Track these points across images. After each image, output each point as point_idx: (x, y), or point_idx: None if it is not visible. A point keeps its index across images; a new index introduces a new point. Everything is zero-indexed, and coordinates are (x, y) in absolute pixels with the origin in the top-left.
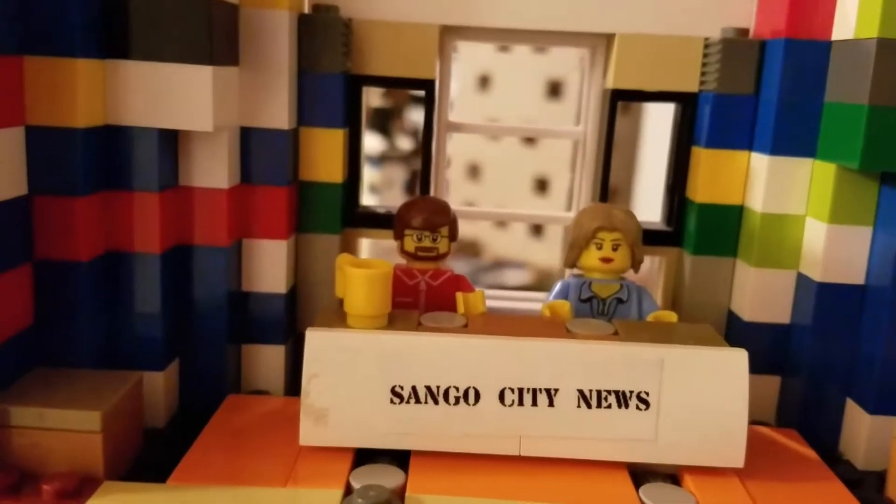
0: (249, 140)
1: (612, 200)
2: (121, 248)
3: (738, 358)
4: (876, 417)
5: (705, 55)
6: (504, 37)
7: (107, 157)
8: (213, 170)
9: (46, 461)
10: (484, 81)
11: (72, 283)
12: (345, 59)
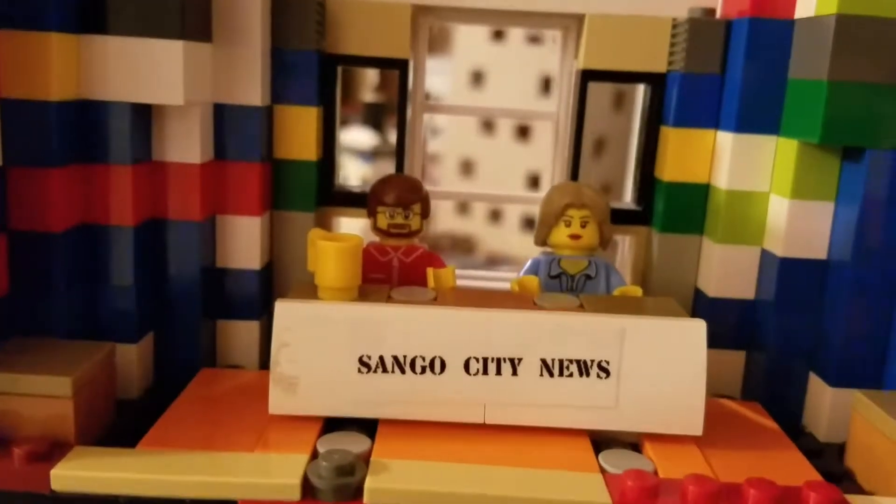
0: (223, 116)
1: (606, 196)
2: (94, 220)
3: (697, 328)
4: (837, 390)
5: (673, 35)
6: (477, 17)
7: (81, 131)
8: (186, 145)
9: (19, 426)
10: (477, 77)
11: (46, 254)
12: (319, 38)
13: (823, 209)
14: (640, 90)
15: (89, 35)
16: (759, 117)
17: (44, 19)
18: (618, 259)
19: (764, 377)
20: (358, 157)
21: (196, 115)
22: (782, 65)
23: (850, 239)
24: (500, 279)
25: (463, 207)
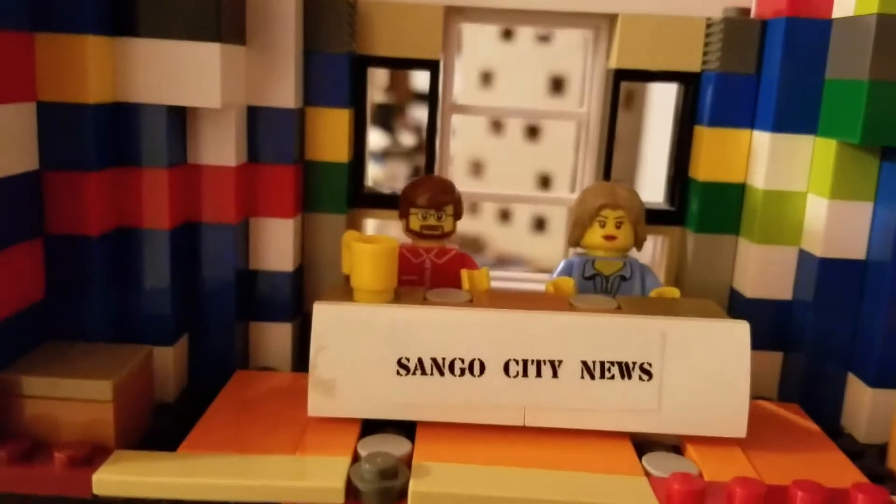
0: (256, 119)
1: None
2: (131, 223)
3: (740, 329)
4: (877, 391)
5: (707, 35)
6: (508, 18)
7: (117, 134)
8: (220, 148)
9: (58, 430)
10: (487, 77)
11: (82, 257)
12: (350, 40)
13: (862, 209)
14: (655, 90)
15: (125, 37)
16: (796, 117)
17: (79, 21)
18: (650, 259)
19: (802, 378)
20: (369, 156)
21: (231, 117)
22: (819, 64)
23: (889, 239)
24: (532, 280)
25: (472, 208)
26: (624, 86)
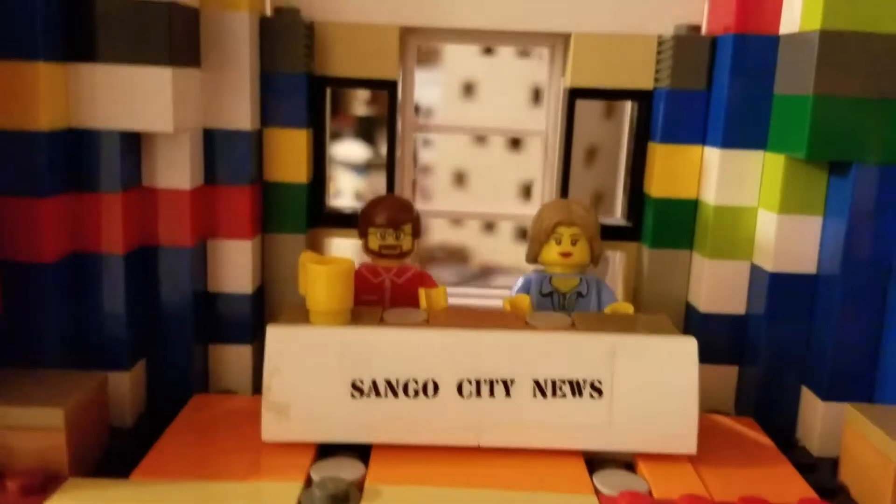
0: (213, 141)
1: (598, 205)
2: (86, 248)
3: (688, 345)
4: (829, 404)
5: (659, 52)
6: (463, 37)
7: (70, 159)
8: (175, 171)
9: (12, 459)
10: (468, 89)
11: (37, 283)
12: (308, 61)
13: (812, 223)
14: (629, 104)
15: (77, 63)
16: (745, 133)
17: (30, 48)
18: (609, 274)
19: (757, 391)
20: (351, 170)
21: (185, 140)
22: (768, 80)
23: (838, 252)
24: (493, 296)
25: (456, 218)
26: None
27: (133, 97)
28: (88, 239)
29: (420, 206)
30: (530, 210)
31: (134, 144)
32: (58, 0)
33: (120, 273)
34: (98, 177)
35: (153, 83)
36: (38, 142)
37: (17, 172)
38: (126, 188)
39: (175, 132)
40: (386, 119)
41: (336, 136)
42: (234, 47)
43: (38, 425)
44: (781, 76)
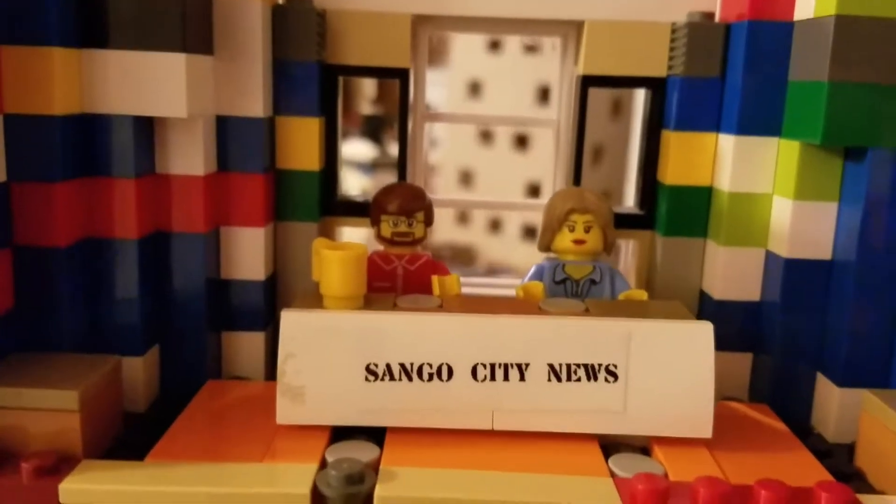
0: (226, 128)
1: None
2: (99, 234)
3: (704, 330)
4: (844, 390)
5: (672, 40)
6: (476, 26)
7: (84, 145)
8: (189, 157)
9: (26, 441)
10: (474, 87)
11: (51, 268)
12: (319, 49)
13: (827, 210)
14: (639, 96)
15: (91, 49)
16: (760, 119)
17: (45, 34)
18: (621, 263)
19: (771, 378)
20: (358, 169)
21: (199, 127)
22: (782, 67)
23: (853, 239)
24: (503, 286)
25: (463, 217)
26: (612, 95)
27: (147, 83)
28: (102, 224)
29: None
30: (538, 203)
31: (147, 130)
32: None
33: (133, 258)
34: (112, 162)
35: (167, 69)
36: (52, 127)
37: (32, 157)
38: (139, 174)
39: (189, 118)
40: (394, 113)
41: (343, 134)
42: (246, 35)
43: (53, 407)
44: (796, 62)
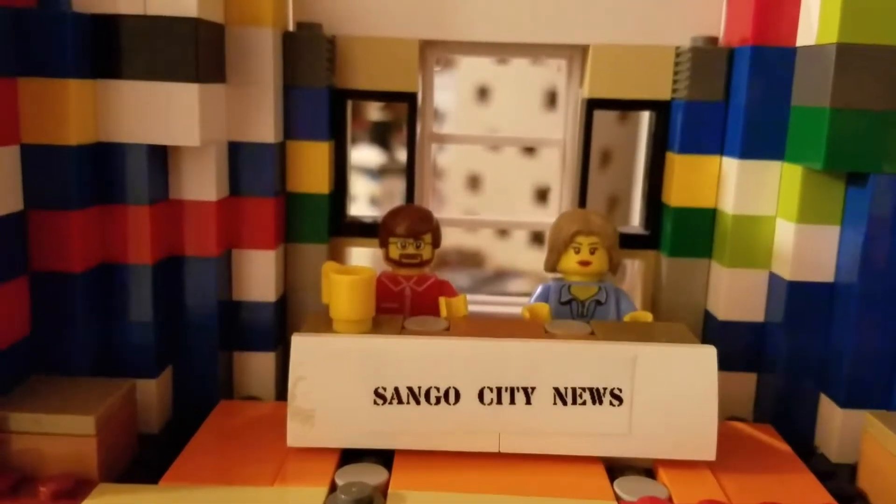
0: (237, 154)
1: (613, 210)
2: (114, 259)
3: (708, 354)
4: (847, 411)
5: (676, 63)
6: (482, 50)
7: (99, 173)
8: (201, 183)
9: (44, 464)
10: (482, 93)
11: (67, 294)
12: (329, 75)
13: (829, 233)
14: (644, 112)
15: (105, 80)
16: (763, 143)
17: (61, 66)
18: (627, 281)
19: (775, 399)
20: (366, 175)
21: (211, 153)
22: (785, 91)
23: (856, 262)
24: (510, 303)
25: (470, 223)
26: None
27: (161, 112)
28: (117, 250)
29: (436, 213)
30: (545, 215)
31: (161, 158)
32: (86, 18)
33: (148, 283)
34: (126, 189)
35: (181, 99)
36: (68, 156)
37: (49, 186)
38: (153, 200)
39: (202, 145)
40: (402, 125)
41: (351, 141)
42: (258, 62)
43: (70, 432)
44: (798, 88)
